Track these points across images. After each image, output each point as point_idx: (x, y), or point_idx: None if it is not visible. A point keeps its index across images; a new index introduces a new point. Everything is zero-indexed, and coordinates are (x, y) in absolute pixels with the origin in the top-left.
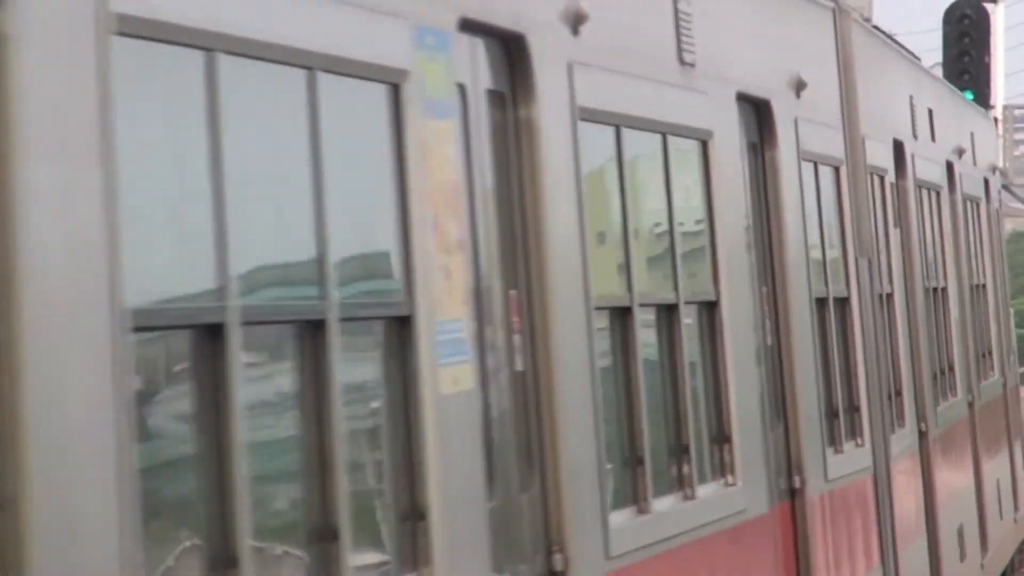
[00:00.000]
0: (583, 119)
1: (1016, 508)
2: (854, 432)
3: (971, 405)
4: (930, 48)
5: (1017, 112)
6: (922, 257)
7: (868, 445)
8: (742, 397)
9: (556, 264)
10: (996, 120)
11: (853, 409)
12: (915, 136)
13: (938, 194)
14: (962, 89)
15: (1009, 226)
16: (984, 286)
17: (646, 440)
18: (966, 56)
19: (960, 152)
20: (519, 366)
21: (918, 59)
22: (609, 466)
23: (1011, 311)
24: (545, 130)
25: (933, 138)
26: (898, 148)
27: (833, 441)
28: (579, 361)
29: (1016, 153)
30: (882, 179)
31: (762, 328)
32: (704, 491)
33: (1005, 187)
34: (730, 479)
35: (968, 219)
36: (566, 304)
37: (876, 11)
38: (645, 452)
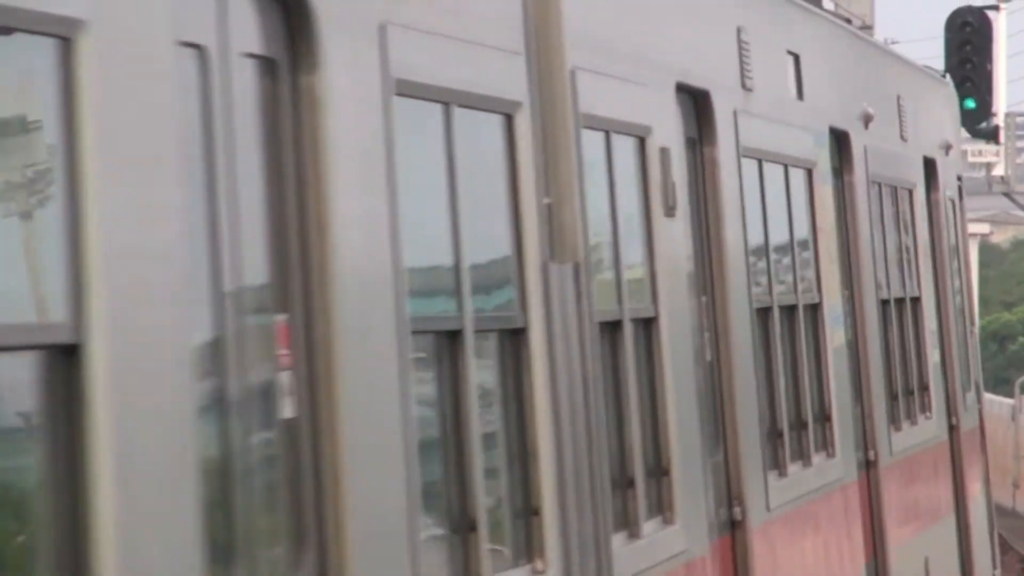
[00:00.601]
0: None
1: None
2: (530, 552)
3: (871, 463)
4: (932, 56)
5: (1020, 119)
6: (757, 261)
7: (557, 566)
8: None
9: None
10: (998, 127)
11: (529, 512)
12: (745, 86)
13: (809, 173)
14: (964, 97)
15: (1011, 234)
16: (918, 300)
17: None
18: (968, 63)
19: (866, 119)
20: None
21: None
22: None
23: (975, 329)
24: None
25: (800, 95)
26: (699, 100)
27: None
28: None
29: (1019, 161)
30: (642, 141)
31: (285, 381)
32: None
33: (1007, 195)
34: None
35: (888, 211)
36: None
37: (878, 17)
38: None
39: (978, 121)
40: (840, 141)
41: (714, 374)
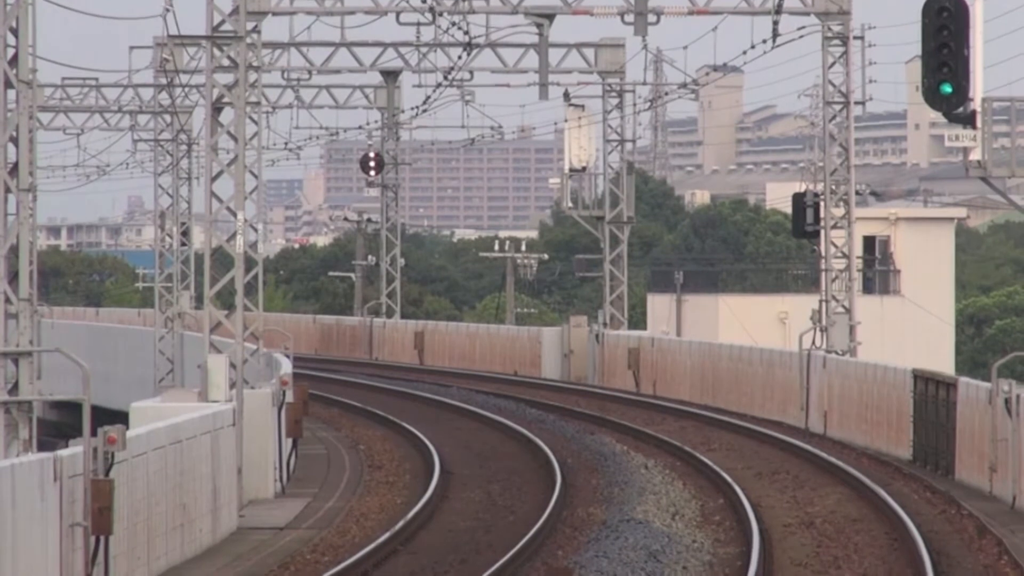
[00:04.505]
0: None
1: None
2: None
3: None
4: (910, 41)
5: (996, 104)
6: None
7: None
8: None
9: None
10: (975, 112)
11: None
12: None
13: None
14: (941, 82)
15: (988, 218)
16: None
17: None
18: (945, 49)
19: None
20: None
21: None
22: None
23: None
24: None
25: None
26: None
27: None
28: None
29: (995, 145)
30: None
31: None
32: None
33: (984, 179)
34: None
35: None
36: None
37: (855, 2)
38: None
39: (955, 106)
40: None
41: None
